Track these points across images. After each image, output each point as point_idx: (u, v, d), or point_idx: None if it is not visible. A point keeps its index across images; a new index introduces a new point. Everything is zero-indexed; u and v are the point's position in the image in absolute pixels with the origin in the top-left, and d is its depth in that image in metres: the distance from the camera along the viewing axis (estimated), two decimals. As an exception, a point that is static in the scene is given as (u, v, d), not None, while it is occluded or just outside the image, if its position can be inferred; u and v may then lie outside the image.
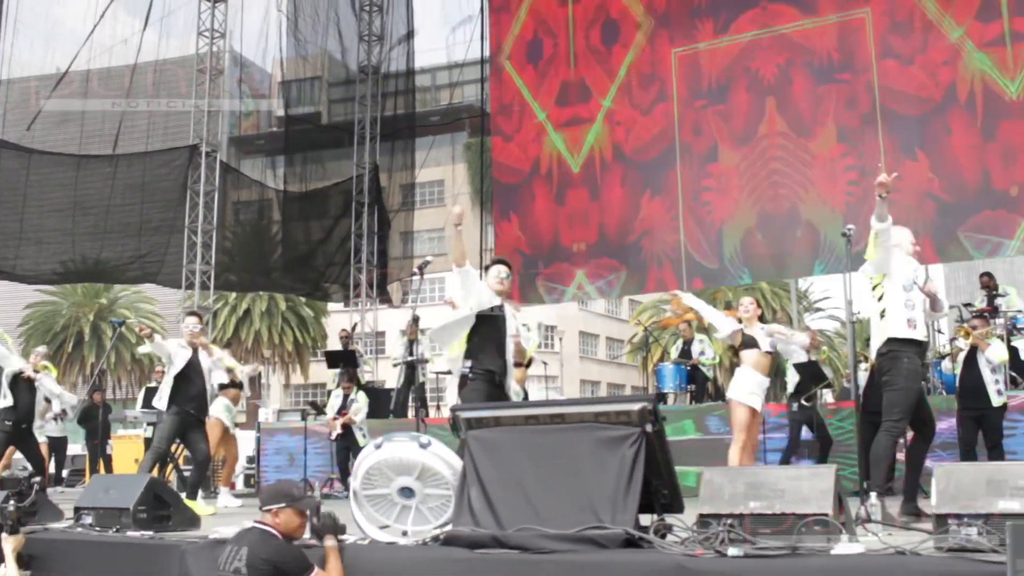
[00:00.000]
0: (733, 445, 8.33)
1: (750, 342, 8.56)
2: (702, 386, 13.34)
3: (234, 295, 34.48)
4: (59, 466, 16.20)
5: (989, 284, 12.77)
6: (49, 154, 16.87)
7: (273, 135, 20.47)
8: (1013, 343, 10.98)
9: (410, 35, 18.94)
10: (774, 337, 8.76)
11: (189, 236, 16.96)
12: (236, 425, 12.11)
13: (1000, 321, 11.42)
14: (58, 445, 15.67)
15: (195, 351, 9.33)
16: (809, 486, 4.87)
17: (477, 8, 16.86)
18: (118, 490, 6.82)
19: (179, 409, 9.06)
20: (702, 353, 13.71)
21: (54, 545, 6.52)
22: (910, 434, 7.02)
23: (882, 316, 6.61)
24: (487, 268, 7.41)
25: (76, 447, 18.54)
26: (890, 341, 6.56)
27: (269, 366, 40.06)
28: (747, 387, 8.44)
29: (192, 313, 9.84)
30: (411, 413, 14.21)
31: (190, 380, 9.18)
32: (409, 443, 5.49)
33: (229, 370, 11.29)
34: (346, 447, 12.55)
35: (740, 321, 8.74)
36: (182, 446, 10.50)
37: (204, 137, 17.09)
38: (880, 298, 6.64)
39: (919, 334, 6.63)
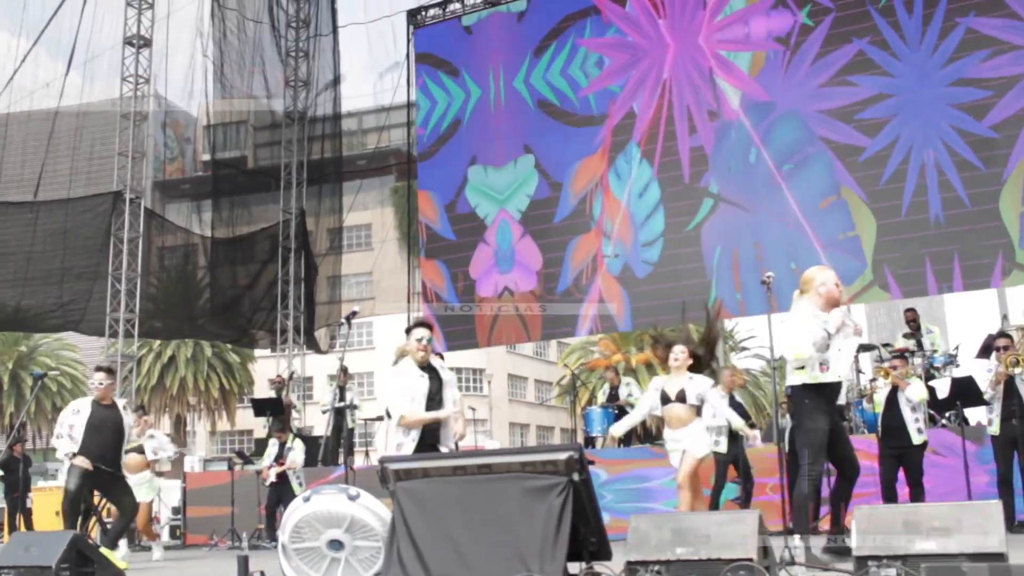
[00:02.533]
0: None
1: (679, 396, 8.20)
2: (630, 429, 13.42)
3: (159, 341, 34.02)
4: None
5: (914, 319, 13.00)
6: (-34, 200, 16.62)
7: (199, 180, 20.34)
8: (931, 383, 11.23)
9: (337, 81, 19.01)
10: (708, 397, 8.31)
11: (113, 283, 16.75)
12: (159, 474, 12.00)
13: (919, 361, 11.69)
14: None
15: (105, 408, 9.13)
16: (733, 531, 4.94)
17: (404, 54, 16.97)
18: (40, 548, 6.67)
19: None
20: (629, 395, 13.82)
21: (-28, 605, 6.37)
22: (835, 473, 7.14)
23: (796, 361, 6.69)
24: (408, 331, 7.38)
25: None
26: (791, 387, 6.69)
27: (195, 413, 39.49)
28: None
29: (100, 368, 9.59)
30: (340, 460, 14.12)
31: (94, 438, 8.99)
32: (338, 495, 5.48)
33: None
34: (278, 496, 12.43)
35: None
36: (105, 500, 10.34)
37: (128, 183, 16.92)
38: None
39: (829, 376, 6.65)
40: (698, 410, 8.23)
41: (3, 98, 16.86)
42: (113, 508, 10.12)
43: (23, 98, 17.19)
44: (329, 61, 19.08)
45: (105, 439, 9.00)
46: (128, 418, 9.40)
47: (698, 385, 8.21)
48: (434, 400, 7.16)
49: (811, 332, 6.49)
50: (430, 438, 7.07)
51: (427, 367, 7.16)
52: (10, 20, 17.18)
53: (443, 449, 7.22)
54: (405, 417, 6.92)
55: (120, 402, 9.48)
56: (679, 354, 8.36)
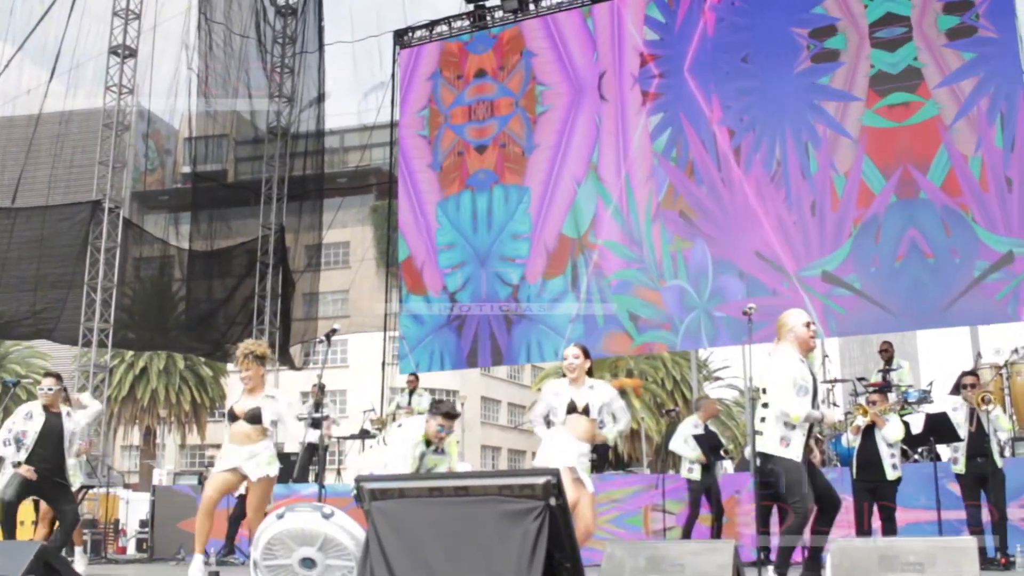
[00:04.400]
0: None
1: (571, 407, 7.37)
2: (603, 455, 13.42)
3: (131, 352, 33.79)
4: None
5: (887, 349, 13.06)
6: (-55, 205, 16.52)
7: (178, 191, 20.26)
8: (905, 417, 11.28)
9: (321, 98, 19.00)
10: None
11: (88, 292, 16.63)
12: (127, 486, 11.88)
13: (893, 396, 11.74)
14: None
15: (54, 416, 9.08)
16: (708, 560, 4.96)
17: (389, 74, 17.02)
18: (4, 558, 6.56)
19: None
20: (601, 423, 13.78)
21: (-65, 614, 6.27)
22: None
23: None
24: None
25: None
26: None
27: (165, 426, 39.19)
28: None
29: (49, 374, 9.54)
30: (312, 478, 14.03)
31: (44, 446, 8.94)
32: (312, 513, 5.45)
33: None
34: (243, 509, 12.31)
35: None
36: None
37: (107, 192, 16.84)
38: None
39: (791, 452, 6.64)
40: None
41: (-16, 103, 16.81)
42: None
43: (5, 104, 17.14)
44: (314, 78, 19.08)
45: (53, 449, 8.97)
46: (70, 424, 9.21)
47: (601, 394, 7.42)
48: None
49: (801, 390, 6.63)
50: None
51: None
52: (-4, 27, 17.13)
53: None
54: None
55: (65, 409, 9.32)
56: (573, 359, 7.41)
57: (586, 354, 7.47)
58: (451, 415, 7.92)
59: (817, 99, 12.89)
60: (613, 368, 36.15)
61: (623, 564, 5.02)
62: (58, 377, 9.43)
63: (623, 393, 14.41)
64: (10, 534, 8.78)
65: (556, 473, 5.08)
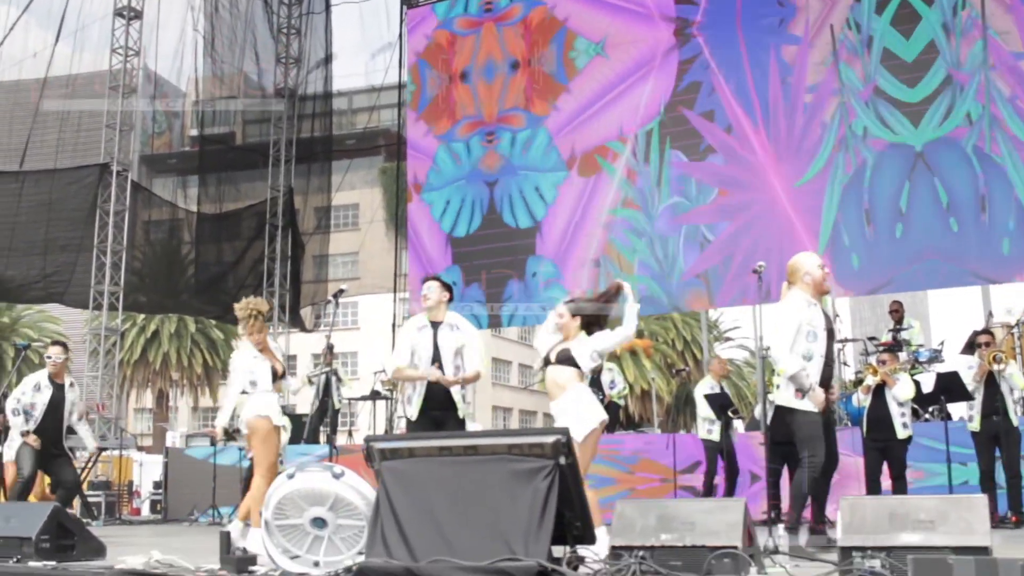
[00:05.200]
0: None
1: (561, 357, 6.54)
2: (614, 416, 13.45)
3: (143, 316, 33.89)
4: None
5: (898, 309, 13.04)
6: (-47, 169, 16.51)
7: (186, 155, 20.21)
8: (916, 377, 11.28)
9: (328, 59, 18.90)
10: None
11: (98, 256, 16.64)
12: (140, 448, 11.99)
13: (904, 356, 11.72)
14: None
15: (59, 388, 9.41)
16: (719, 519, 4.96)
17: (396, 35, 16.92)
18: (20, 519, 6.62)
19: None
20: (612, 383, 13.81)
21: (-50, 575, 6.32)
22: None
23: (779, 374, 6.68)
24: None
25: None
26: (779, 408, 6.70)
27: (177, 388, 39.40)
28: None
29: (57, 343, 9.91)
30: (323, 439, 14.10)
31: (49, 418, 9.34)
32: (322, 473, 5.45)
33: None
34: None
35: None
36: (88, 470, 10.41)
37: (115, 155, 16.81)
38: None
39: (807, 404, 6.60)
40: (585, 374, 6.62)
41: (-9, 66, 16.75)
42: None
43: (11, 67, 17.06)
44: (321, 39, 18.97)
45: (58, 420, 9.35)
46: (73, 395, 9.58)
47: (592, 343, 6.54)
48: (434, 354, 7.29)
49: (809, 335, 6.56)
50: (437, 398, 7.22)
51: (436, 322, 7.31)
52: (0, -12, 17.06)
53: (460, 412, 7.32)
54: (397, 369, 7.26)
55: (68, 379, 9.61)
56: (558, 317, 6.66)
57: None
58: (427, 278, 7.72)
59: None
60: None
61: (634, 522, 5.03)
62: (64, 347, 9.63)
63: (633, 354, 14.42)
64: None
65: (566, 432, 5.08)
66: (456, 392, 7.35)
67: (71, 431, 9.72)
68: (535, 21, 14.91)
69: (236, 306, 7.80)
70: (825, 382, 6.67)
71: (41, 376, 9.47)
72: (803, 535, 6.50)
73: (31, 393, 9.37)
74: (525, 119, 14.75)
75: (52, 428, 9.35)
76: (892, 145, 12.27)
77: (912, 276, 12.23)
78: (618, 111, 14.03)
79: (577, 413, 6.29)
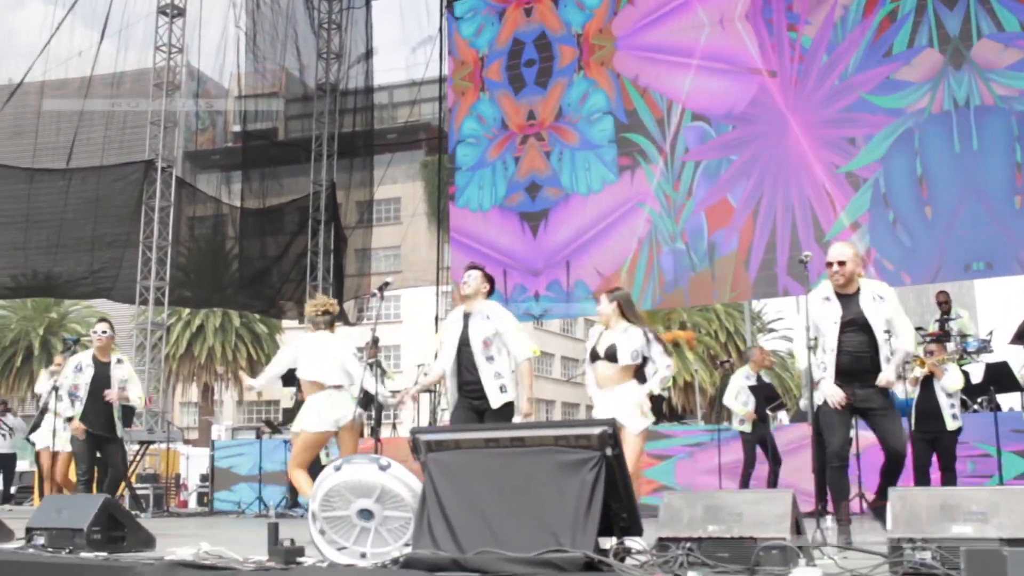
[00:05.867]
0: None
1: (609, 353, 6.95)
2: (657, 407, 13.38)
3: (188, 310, 34.22)
4: (7, 483, 15.95)
5: (946, 300, 12.90)
6: (1, 167, 16.70)
7: (229, 150, 20.38)
8: (964, 367, 11.15)
9: (369, 54, 18.98)
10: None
11: (144, 251, 16.82)
12: (186, 442, 12.06)
13: (952, 346, 11.59)
14: (6, 462, 15.42)
15: (104, 366, 9.09)
16: (766, 510, 4.92)
17: (437, 28, 16.94)
18: (71, 510, 6.71)
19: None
20: (655, 373, 13.73)
21: (4, 567, 6.40)
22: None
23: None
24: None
25: (24, 463, 18.32)
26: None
27: (222, 382, 39.75)
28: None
29: (103, 319, 9.52)
30: (367, 432, 14.14)
31: (95, 398, 8.98)
32: (368, 465, 5.47)
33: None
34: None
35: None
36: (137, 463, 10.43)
37: (160, 152, 16.98)
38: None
39: (817, 397, 6.63)
40: (637, 371, 7.00)
41: (38, 66, 16.94)
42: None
43: (57, 66, 17.26)
44: (362, 33, 19.05)
45: (104, 400, 8.98)
46: (122, 372, 9.17)
47: (634, 339, 6.95)
48: (465, 348, 7.27)
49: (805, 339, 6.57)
50: (470, 393, 7.23)
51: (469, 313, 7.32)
52: (45, -12, 17.26)
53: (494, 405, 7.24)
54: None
55: (115, 357, 9.25)
56: (603, 305, 7.09)
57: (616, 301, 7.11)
58: (470, 266, 7.74)
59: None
60: (666, 320, 36.06)
61: (680, 513, 5.00)
62: (110, 323, 9.39)
63: (676, 345, 14.35)
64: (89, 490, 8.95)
65: (612, 423, 5.07)
66: (492, 384, 7.25)
67: (130, 412, 9.35)
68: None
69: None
70: (853, 374, 6.52)
71: (84, 356, 9.15)
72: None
73: (72, 375, 9.04)
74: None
75: (95, 410, 8.97)
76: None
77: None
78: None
79: (632, 408, 6.77)
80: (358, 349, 8.42)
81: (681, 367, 34.22)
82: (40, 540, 6.64)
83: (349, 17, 19.01)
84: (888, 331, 6.45)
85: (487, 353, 7.25)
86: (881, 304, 6.53)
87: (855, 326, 6.53)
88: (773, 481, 10.76)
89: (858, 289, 6.61)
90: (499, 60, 15.41)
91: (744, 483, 10.78)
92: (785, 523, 4.81)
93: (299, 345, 8.01)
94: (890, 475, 6.53)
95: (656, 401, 13.12)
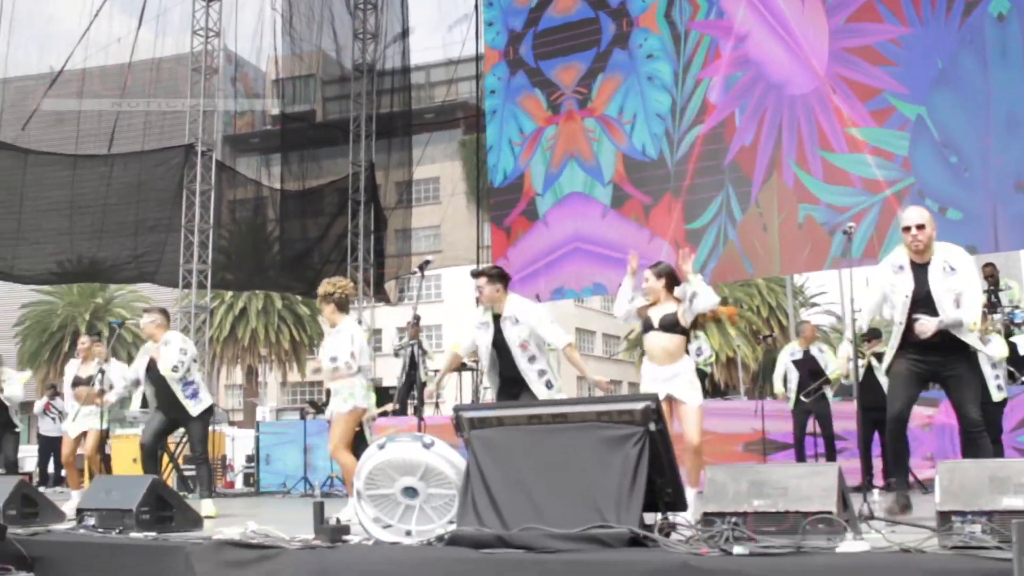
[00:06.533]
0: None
1: (664, 323, 6.84)
2: (700, 383, 13.33)
3: (230, 293, 34.49)
4: (57, 466, 16.17)
5: (993, 274, 12.74)
6: (45, 154, 16.87)
7: (268, 133, 20.45)
8: (1011, 339, 11.01)
9: (405, 33, 18.95)
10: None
11: (186, 235, 16.95)
12: (232, 423, 12.14)
13: (998, 316, 11.44)
14: (56, 445, 15.62)
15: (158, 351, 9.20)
16: (812, 484, 4.89)
17: (472, 6, 16.87)
18: (120, 491, 6.82)
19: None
20: (699, 351, 13.70)
21: (57, 547, 6.51)
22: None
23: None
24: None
25: (73, 447, 18.54)
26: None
27: (266, 364, 40.07)
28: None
29: (147, 309, 9.62)
30: (411, 411, 14.22)
31: (152, 383, 9.17)
32: (412, 443, 5.50)
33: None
34: (354, 445, 12.50)
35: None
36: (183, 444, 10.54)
37: (199, 136, 17.08)
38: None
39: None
40: (687, 339, 6.90)
41: (78, 54, 17.05)
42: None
43: (97, 52, 17.37)
44: (398, 13, 19.02)
45: (160, 382, 9.07)
46: (168, 352, 9.07)
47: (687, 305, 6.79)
48: (503, 350, 7.24)
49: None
50: (510, 387, 7.20)
51: (498, 315, 7.23)
52: (85, -24, 17.35)
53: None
54: (454, 355, 7.59)
55: (166, 337, 9.20)
56: (652, 281, 6.95)
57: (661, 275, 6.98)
58: (473, 273, 7.71)
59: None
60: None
61: (725, 488, 4.98)
62: (151, 311, 9.48)
63: (718, 321, 14.24)
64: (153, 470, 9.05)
65: (655, 398, 5.05)
66: (538, 383, 7.22)
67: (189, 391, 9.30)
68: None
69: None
70: (925, 345, 6.35)
71: (148, 347, 9.32)
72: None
73: (139, 360, 9.32)
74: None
75: (154, 392, 9.17)
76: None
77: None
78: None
79: (691, 382, 6.74)
80: (399, 329, 8.46)
81: (723, 343, 34.07)
82: (91, 521, 6.76)
83: (385, -3, 19.00)
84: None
85: (527, 355, 7.24)
86: (951, 277, 6.30)
87: (925, 303, 6.34)
88: (829, 455, 10.68)
89: (931, 259, 6.38)
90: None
91: (799, 456, 10.76)
92: (831, 497, 4.78)
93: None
94: (966, 444, 6.48)
95: (699, 377, 13.12)
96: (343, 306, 8.22)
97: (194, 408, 9.09)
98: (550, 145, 14.88)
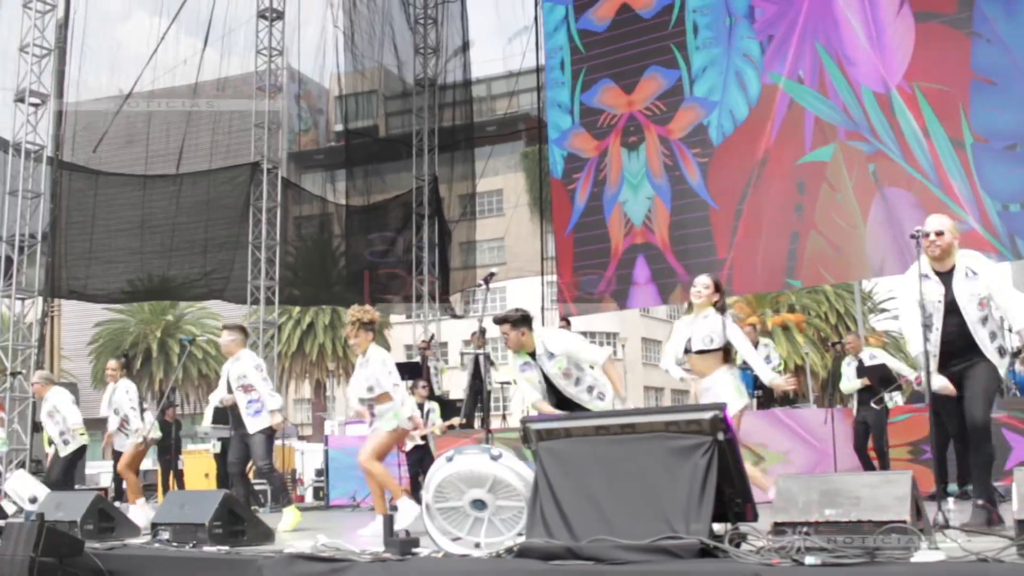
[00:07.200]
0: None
1: (688, 347, 7.42)
2: (769, 392, 13.20)
3: (298, 308, 34.84)
4: (132, 482, 16.42)
5: None
6: (116, 175, 17.21)
7: (332, 150, 20.69)
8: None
9: (465, 47, 19.07)
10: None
11: (253, 252, 17.18)
12: (301, 438, 12.24)
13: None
14: (130, 461, 15.88)
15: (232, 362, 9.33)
16: (885, 492, 4.80)
17: (532, 18, 16.91)
18: (193, 506, 6.92)
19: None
20: (767, 358, 13.55)
21: (132, 561, 6.61)
22: None
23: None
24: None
25: (147, 462, 18.84)
26: None
27: (334, 378, 40.39)
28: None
29: (225, 326, 9.76)
30: (478, 424, 14.24)
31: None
32: (480, 455, 5.50)
33: None
34: (419, 459, 12.56)
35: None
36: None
37: (265, 154, 17.32)
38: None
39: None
40: (726, 355, 7.29)
41: (146, 75, 17.39)
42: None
43: (165, 75, 17.70)
44: (458, 27, 19.15)
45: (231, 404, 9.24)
46: (243, 368, 9.16)
47: (711, 322, 7.25)
48: (551, 385, 7.37)
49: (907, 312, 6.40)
50: (566, 409, 7.29)
51: (532, 355, 7.36)
52: (151, 1, 17.72)
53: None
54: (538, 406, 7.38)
55: (238, 354, 9.28)
56: (701, 287, 7.38)
57: (717, 287, 7.39)
58: (496, 320, 7.72)
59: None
60: (775, 303, 35.55)
61: (796, 497, 4.91)
62: (227, 328, 9.64)
63: (785, 329, 14.10)
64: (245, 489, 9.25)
65: (723, 407, 5.01)
66: (588, 398, 7.35)
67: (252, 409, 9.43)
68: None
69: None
70: (951, 355, 6.30)
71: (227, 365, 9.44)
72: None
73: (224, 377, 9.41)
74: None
75: (229, 414, 9.40)
76: None
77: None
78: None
79: (721, 392, 6.97)
80: (464, 341, 8.58)
81: (791, 350, 33.70)
82: (165, 535, 6.86)
83: (445, 11, 19.13)
84: (985, 314, 6.20)
85: (571, 380, 7.38)
86: (974, 281, 6.22)
87: (952, 309, 6.27)
88: (884, 464, 10.49)
89: (954, 266, 6.34)
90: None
91: (865, 464, 10.59)
92: (905, 505, 4.69)
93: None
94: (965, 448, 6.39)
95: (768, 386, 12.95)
96: (374, 332, 8.37)
97: (252, 424, 9.17)
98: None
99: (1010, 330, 6.38)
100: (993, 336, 6.26)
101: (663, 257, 14.38)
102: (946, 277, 6.32)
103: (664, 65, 14.45)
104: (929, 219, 6.46)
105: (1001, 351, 6.32)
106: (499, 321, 7.49)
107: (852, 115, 12.76)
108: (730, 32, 13.87)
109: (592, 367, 7.45)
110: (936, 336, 6.29)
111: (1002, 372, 6.53)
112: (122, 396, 10.72)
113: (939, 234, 6.30)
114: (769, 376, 7.74)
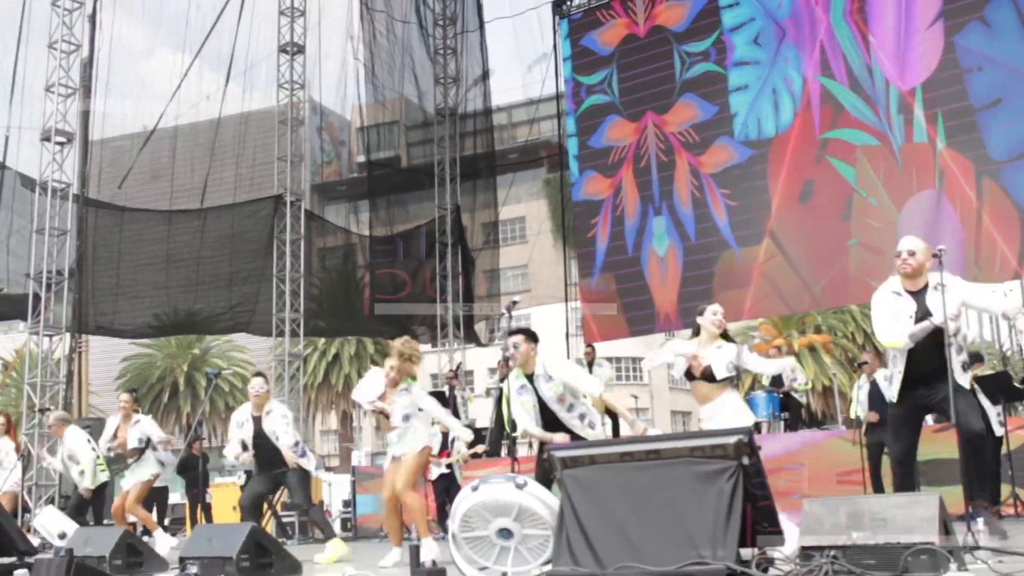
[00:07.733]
0: None
1: (705, 374, 7.32)
2: (796, 413, 13.14)
3: (323, 340, 34.92)
4: (161, 515, 16.45)
5: None
6: (141, 211, 17.35)
7: (354, 181, 20.81)
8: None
9: (485, 75, 19.16)
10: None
11: (278, 284, 17.26)
12: (328, 469, 12.27)
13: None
14: (159, 495, 15.92)
15: (257, 420, 9.35)
16: (912, 514, 4.77)
17: (551, 46, 17.01)
18: (221, 539, 6.94)
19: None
20: (794, 379, 13.51)
21: (162, 595, 6.64)
22: None
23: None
24: None
25: (175, 496, 18.90)
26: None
27: (360, 409, 40.36)
28: None
29: (258, 374, 9.94)
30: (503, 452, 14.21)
31: (263, 446, 9.33)
32: (505, 484, 5.50)
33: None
34: (445, 487, 12.55)
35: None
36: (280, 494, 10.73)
37: (288, 187, 17.43)
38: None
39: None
40: (731, 381, 7.30)
41: (170, 111, 17.57)
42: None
43: (188, 110, 17.88)
44: (477, 57, 19.25)
45: (268, 448, 9.29)
46: (269, 424, 9.32)
47: (728, 353, 7.25)
48: (544, 409, 7.33)
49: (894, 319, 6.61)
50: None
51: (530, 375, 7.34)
52: (173, 38, 17.94)
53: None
54: (527, 433, 7.44)
55: (266, 409, 9.42)
56: (713, 317, 7.42)
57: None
58: (511, 331, 7.72)
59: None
60: (800, 325, 35.36)
61: (823, 520, 4.89)
62: (264, 377, 9.80)
63: (812, 349, 14.04)
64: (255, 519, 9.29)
65: (748, 432, 4.99)
66: (580, 426, 7.32)
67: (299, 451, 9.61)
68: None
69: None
70: (920, 375, 6.55)
71: (243, 411, 9.51)
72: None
73: (236, 429, 9.45)
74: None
75: (254, 453, 9.39)
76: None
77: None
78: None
79: (729, 415, 6.99)
80: (490, 370, 8.67)
81: (819, 371, 33.50)
82: (193, 569, 6.87)
83: (464, 41, 19.24)
84: (956, 326, 6.49)
85: (565, 406, 7.35)
86: (944, 293, 6.43)
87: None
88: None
89: (925, 285, 6.64)
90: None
91: (877, 487, 10.45)
92: (933, 526, 4.65)
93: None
94: (968, 454, 6.43)
95: (795, 405, 12.91)
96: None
97: (302, 463, 9.41)
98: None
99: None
100: (960, 350, 6.55)
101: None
102: (918, 296, 6.63)
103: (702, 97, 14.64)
104: (903, 240, 6.83)
105: (964, 366, 6.58)
106: (515, 332, 7.55)
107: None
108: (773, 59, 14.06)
109: (586, 397, 7.48)
110: (903, 356, 6.59)
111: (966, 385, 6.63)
112: (149, 427, 10.79)
113: (911, 253, 6.68)
114: (791, 363, 7.87)
